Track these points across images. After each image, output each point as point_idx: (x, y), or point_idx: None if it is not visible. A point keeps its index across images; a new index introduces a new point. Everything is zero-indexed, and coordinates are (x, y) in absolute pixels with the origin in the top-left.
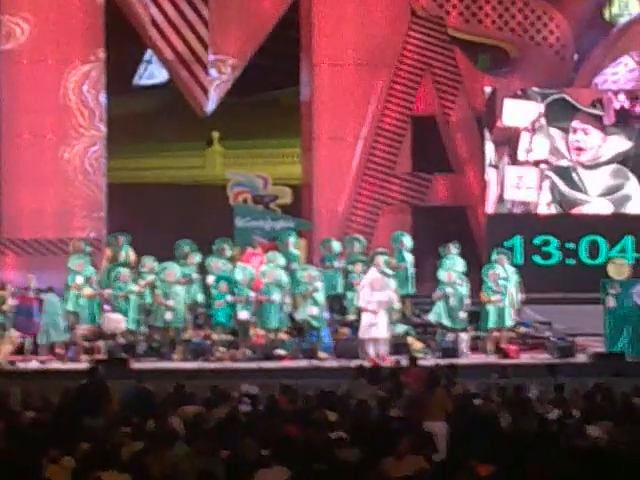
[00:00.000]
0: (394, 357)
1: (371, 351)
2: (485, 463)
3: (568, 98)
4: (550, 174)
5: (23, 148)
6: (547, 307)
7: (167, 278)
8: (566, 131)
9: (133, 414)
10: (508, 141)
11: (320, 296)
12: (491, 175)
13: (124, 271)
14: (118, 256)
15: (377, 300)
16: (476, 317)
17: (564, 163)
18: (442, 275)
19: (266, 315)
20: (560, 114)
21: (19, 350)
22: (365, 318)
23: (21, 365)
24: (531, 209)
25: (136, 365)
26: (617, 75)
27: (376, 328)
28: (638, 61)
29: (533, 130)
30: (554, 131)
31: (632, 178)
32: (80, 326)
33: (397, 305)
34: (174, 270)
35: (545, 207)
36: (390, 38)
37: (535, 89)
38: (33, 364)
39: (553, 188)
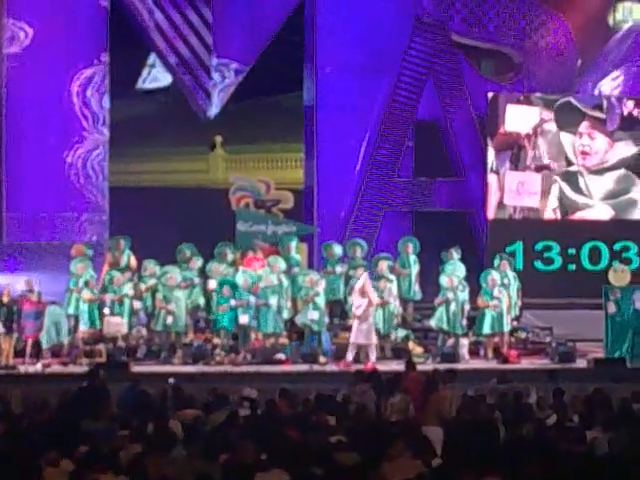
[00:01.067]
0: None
1: (350, 356)
2: (482, 468)
3: (574, 102)
4: (557, 179)
5: (26, 151)
6: (548, 312)
7: (168, 282)
8: (575, 135)
9: (132, 417)
10: (510, 147)
11: (321, 301)
12: (492, 180)
13: (117, 275)
14: (119, 260)
15: (359, 306)
16: (476, 322)
17: (573, 168)
18: (444, 280)
19: (263, 319)
20: (569, 118)
21: (21, 352)
22: (354, 324)
23: (22, 368)
24: (536, 215)
25: (136, 368)
26: (620, 80)
27: (360, 333)
28: None
29: (535, 135)
30: (565, 136)
31: (639, 184)
32: (81, 329)
33: (396, 310)
34: (175, 274)
35: (551, 213)
36: (394, 43)
37: (538, 95)
38: (36, 367)
39: (560, 194)
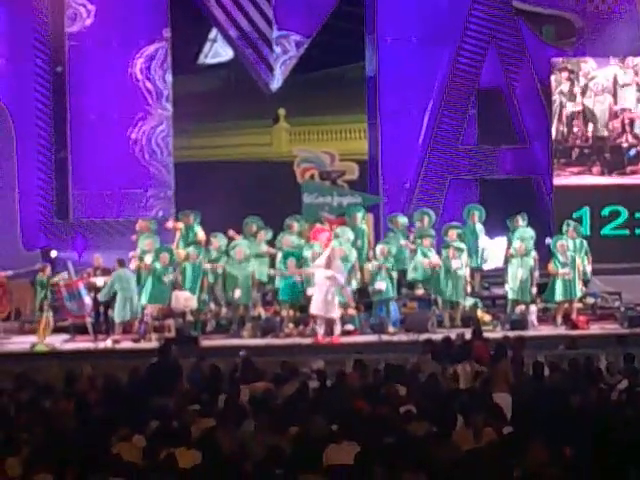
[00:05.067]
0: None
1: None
2: (552, 436)
3: None
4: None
5: (90, 129)
6: (616, 277)
7: (236, 256)
8: None
9: (202, 392)
10: None
11: (390, 271)
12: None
13: (190, 250)
14: (188, 234)
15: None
16: (544, 289)
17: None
18: (513, 247)
19: None
20: None
21: (82, 330)
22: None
23: (91, 345)
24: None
25: (205, 343)
26: None
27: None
28: None
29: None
30: None
31: None
32: (149, 305)
33: (464, 278)
34: (243, 247)
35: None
36: (454, 11)
37: (600, 59)
38: (106, 343)
39: None
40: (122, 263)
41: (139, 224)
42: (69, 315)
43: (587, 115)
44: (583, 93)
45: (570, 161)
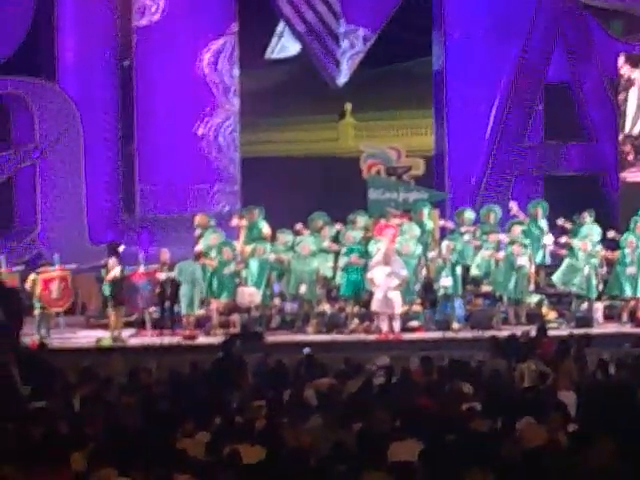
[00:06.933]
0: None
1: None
2: (618, 433)
3: None
4: None
5: (158, 124)
6: None
7: (302, 251)
8: None
9: (267, 387)
10: None
11: (455, 267)
12: (625, 142)
13: (257, 246)
14: (253, 230)
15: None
16: (610, 286)
17: None
18: (577, 244)
19: None
20: None
21: (140, 323)
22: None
23: (157, 340)
24: None
25: (270, 338)
26: None
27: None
28: None
29: None
30: None
31: None
32: (214, 300)
33: (529, 275)
34: (308, 243)
35: None
36: (521, 6)
37: None
38: (171, 339)
39: None
40: (197, 257)
41: (198, 219)
42: (132, 309)
43: None
44: None
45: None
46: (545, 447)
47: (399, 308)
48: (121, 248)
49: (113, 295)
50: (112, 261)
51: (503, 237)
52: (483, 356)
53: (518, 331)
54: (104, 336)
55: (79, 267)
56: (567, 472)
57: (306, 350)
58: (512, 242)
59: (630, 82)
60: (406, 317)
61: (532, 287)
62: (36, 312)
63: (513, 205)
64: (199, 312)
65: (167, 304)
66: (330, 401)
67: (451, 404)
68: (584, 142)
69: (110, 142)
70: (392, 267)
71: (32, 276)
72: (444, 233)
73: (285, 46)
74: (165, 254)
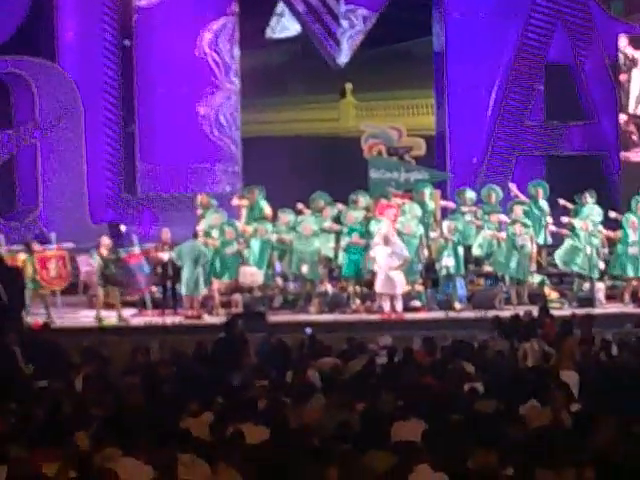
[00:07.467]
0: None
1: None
2: (621, 413)
3: None
4: None
5: (158, 104)
6: None
7: (303, 231)
8: None
9: (270, 367)
10: None
11: (457, 247)
12: (626, 122)
13: (258, 225)
14: (254, 209)
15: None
16: (612, 266)
17: None
18: (578, 224)
19: None
20: None
21: (142, 303)
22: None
23: (159, 320)
24: None
25: (273, 318)
26: None
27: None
28: None
29: None
30: None
31: None
32: (216, 280)
33: (531, 255)
34: (310, 223)
35: None
36: None
37: None
38: (173, 319)
39: None
40: (195, 236)
41: (201, 199)
42: (134, 291)
43: None
44: None
45: None
46: (549, 427)
47: (401, 288)
48: (123, 228)
49: (102, 273)
50: (105, 239)
51: (504, 217)
52: (486, 336)
53: (520, 311)
54: (107, 316)
55: (79, 246)
56: (571, 452)
57: (308, 331)
58: (514, 222)
59: (633, 62)
60: (408, 297)
61: (534, 267)
62: (27, 292)
63: (512, 187)
64: (201, 292)
65: (169, 284)
66: (333, 381)
67: (454, 384)
68: (585, 122)
69: (111, 122)
70: (392, 248)
71: (22, 256)
72: (445, 213)
73: (285, 26)
74: (166, 233)
